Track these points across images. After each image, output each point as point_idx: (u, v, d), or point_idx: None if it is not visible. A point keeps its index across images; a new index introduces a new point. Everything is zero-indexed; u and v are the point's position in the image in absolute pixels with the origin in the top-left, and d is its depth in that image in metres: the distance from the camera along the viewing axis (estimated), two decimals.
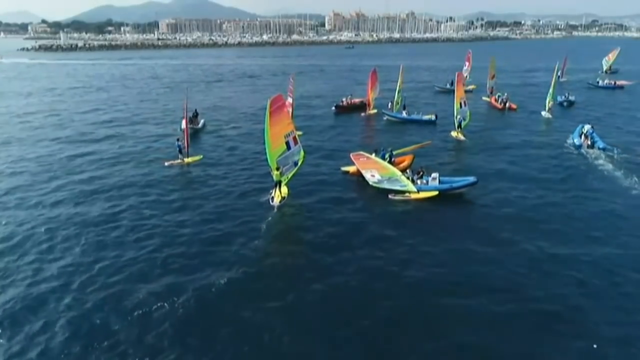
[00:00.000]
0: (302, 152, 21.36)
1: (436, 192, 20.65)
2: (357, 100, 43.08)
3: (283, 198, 19.80)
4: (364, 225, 18.23)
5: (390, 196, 20.75)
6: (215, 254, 15.95)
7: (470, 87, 54.31)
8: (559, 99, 44.06)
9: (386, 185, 21.27)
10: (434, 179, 21.29)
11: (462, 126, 31.38)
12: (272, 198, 19.83)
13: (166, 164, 25.69)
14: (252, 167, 25.54)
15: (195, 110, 36.51)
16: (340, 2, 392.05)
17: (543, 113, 39.34)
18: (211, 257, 15.74)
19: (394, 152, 24.14)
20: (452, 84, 53.60)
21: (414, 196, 20.64)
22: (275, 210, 19.36)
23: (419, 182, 21.38)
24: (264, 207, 19.76)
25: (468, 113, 31.78)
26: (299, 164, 21.24)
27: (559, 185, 22.70)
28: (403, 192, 20.87)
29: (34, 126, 36.74)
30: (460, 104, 30.71)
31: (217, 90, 59.73)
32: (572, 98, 44.67)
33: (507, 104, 42.37)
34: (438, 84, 57.56)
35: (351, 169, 23.70)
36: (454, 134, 31.77)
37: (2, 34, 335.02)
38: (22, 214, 19.25)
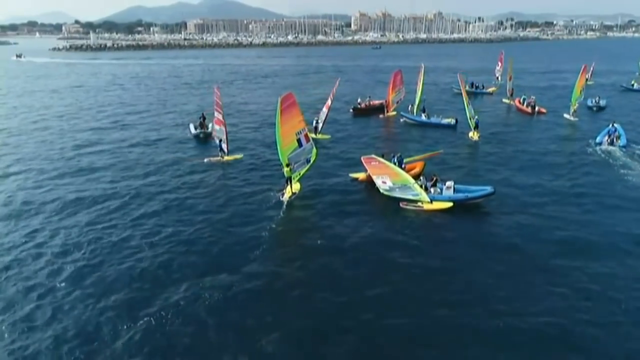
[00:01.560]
0: (314, 150, 21.60)
1: (451, 204, 19.42)
2: (376, 102, 41.89)
3: (293, 194, 20.34)
4: (373, 234, 17.33)
5: (401, 205, 19.66)
6: (215, 253, 15.88)
7: (491, 89, 52.27)
8: (589, 103, 41.96)
9: (398, 194, 20.15)
10: (448, 187, 20.04)
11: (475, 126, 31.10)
12: (283, 193, 20.30)
13: (205, 160, 26.16)
14: (264, 166, 25.51)
15: (203, 114, 34.91)
16: (367, 3, 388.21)
17: (566, 115, 37.61)
18: (210, 255, 15.79)
19: (404, 160, 23.03)
20: (472, 85, 52.30)
21: (426, 207, 19.44)
22: (285, 206, 19.52)
23: (432, 190, 20.21)
24: (272, 208, 19.60)
25: (473, 110, 31.36)
26: (312, 161, 21.52)
27: (574, 191, 21.74)
28: (415, 201, 19.75)
29: (32, 121, 38.05)
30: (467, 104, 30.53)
31: (235, 89, 59.62)
32: (602, 103, 42.25)
33: (537, 108, 40.30)
34: (457, 86, 55.45)
35: (360, 175, 22.68)
36: (471, 134, 31.28)
37: (37, 34, 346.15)
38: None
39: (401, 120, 36.98)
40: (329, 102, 31.83)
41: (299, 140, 20.59)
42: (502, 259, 15.39)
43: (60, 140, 31.46)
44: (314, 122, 32.00)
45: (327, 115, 31.87)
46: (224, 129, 26.16)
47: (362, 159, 21.46)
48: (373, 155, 21.14)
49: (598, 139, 28.94)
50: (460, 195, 19.78)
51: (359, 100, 42.44)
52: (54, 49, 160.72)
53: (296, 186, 20.82)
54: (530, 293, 13.41)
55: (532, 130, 34.26)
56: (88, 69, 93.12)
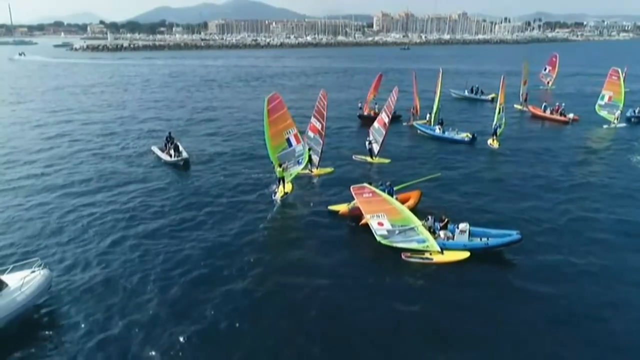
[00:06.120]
0: (306, 153, 21.34)
1: (467, 254, 15.08)
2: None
3: (285, 193, 20.20)
4: (367, 298, 13.48)
5: (403, 256, 15.35)
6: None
7: (491, 95, 46.03)
8: (628, 113, 37.20)
9: (399, 241, 15.66)
10: (462, 231, 15.70)
11: (498, 134, 29.16)
12: (275, 193, 20.31)
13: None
14: (257, 173, 23.78)
15: (170, 133, 28.16)
16: (390, 3, 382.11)
17: (606, 126, 34.44)
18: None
19: (395, 188, 18.73)
20: (472, 90, 48.16)
21: (436, 259, 15.14)
22: (276, 207, 19.41)
23: (442, 234, 15.85)
24: (263, 210, 19.14)
25: (504, 120, 29.64)
26: (303, 163, 21.29)
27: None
28: (422, 251, 15.35)
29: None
30: (500, 109, 28.62)
31: (236, 90, 57.27)
32: None
33: (571, 116, 36.18)
34: (455, 89, 49.82)
35: (340, 208, 18.47)
36: (490, 141, 29.26)
37: (62, 34, 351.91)
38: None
39: (418, 131, 33.00)
40: (384, 117, 25.07)
41: (287, 140, 20.32)
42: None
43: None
44: (367, 143, 25.95)
45: (385, 135, 25.16)
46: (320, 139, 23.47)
47: (351, 189, 16.68)
48: (365, 185, 16.61)
49: None
50: (478, 244, 15.48)
51: (359, 104, 38.49)
52: (70, 48, 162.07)
53: (288, 186, 20.53)
54: None
55: (561, 144, 30.17)
56: (87, 68, 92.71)
